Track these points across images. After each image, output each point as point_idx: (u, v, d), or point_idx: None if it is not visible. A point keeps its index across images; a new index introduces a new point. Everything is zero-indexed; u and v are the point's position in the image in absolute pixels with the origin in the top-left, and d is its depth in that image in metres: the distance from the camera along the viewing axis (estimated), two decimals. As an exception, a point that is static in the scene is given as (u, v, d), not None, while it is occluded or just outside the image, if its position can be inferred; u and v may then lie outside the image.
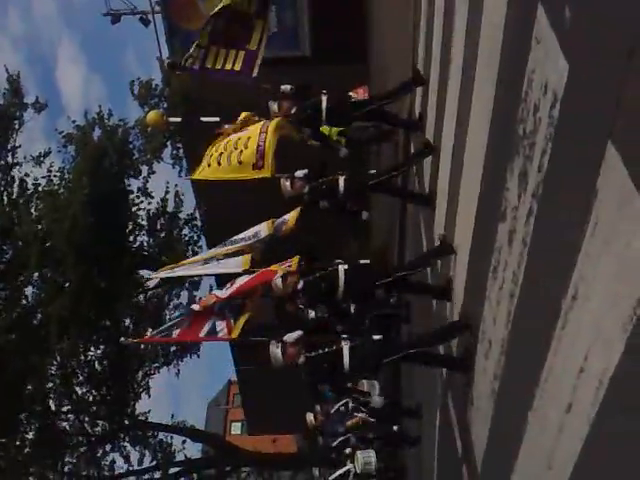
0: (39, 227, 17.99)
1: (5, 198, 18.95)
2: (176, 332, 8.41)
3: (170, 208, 20.33)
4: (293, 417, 15.99)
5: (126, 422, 21.85)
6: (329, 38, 13.19)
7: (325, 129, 10.49)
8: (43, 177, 18.85)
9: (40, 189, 18.77)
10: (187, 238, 20.63)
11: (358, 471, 10.29)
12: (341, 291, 6.81)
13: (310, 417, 11.99)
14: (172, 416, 24.19)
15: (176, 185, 20.27)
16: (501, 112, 4.71)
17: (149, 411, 22.58)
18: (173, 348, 22.09)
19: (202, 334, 8.43)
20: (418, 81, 8.51)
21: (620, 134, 2.83)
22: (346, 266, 6.81)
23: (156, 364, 21.90)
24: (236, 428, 37.32)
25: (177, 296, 22.21)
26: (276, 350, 6.43)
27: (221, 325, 8.38)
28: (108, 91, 61.66)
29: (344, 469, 10.68)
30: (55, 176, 18.81)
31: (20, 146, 19.22)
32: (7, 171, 18.99)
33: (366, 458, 10.38)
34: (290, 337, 6.48)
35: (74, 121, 18.49)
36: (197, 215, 20.05)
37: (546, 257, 3.88)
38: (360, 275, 6.95)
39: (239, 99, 14.60)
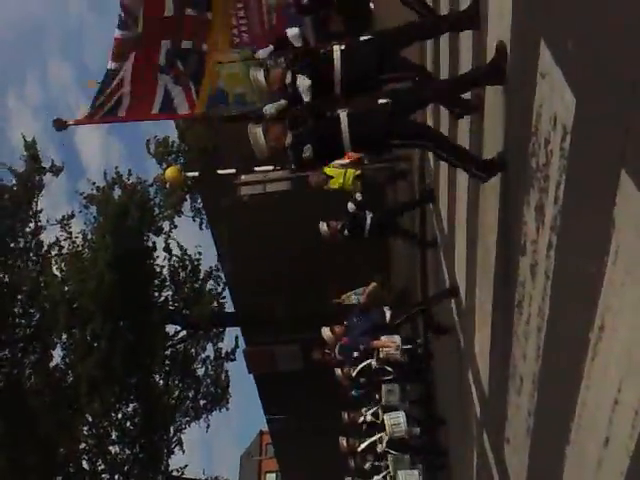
0: (65, 289, 18.22)
1: (30, 263, 19.30)
2: (122, 111, 6.97)
3: (192, 262, 20.55)
4: (327, 464, 15.76)
5: (160, 479, 21.66)
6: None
7: (339, 174, 10.66)
8: (65, 239, 19.22)
9: (64, 251, 19.12)
10: (211, 290, 20.79)
11: (387, 433, 9.85)
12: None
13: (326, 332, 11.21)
14: (203, 471, 23.95)
15: (198, 245, 20.62)
16: (513, 146, 4.74)
17: (185, 466, 22.42)
18: (203, 402, 22.04)
19: (155, 109, 7.00)
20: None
21: (632, 162, 2.84)
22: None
23: (187, 418, 21.82)
24: (271, 479, 36.75)
25: (203, 349, 22.29)
26: (257, 132, 5.42)
27: (178, 93, 6.79)
28: (126, 151, 63.12)
29: (373, 438, 10.31)
30: (77, 237, 19.18)
31: (42, 210, 19.64)
32: (32, 237, 19.37)
33: (394, 419, 9.92)
34: (269, 109, 5.77)
35: (94, 183, 18.94)
36: (220, 267, 20.24)
37: (570, 289, 3.85)
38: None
39: (252, 150, 14.88)
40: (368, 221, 9.28)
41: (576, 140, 3.52)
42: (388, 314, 9.12)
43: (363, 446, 10.62)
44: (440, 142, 5.30)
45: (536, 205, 4.23)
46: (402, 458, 10.39)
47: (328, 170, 10.91)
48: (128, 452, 20.59)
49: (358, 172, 10.87)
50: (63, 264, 18.98)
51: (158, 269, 19.76)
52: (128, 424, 20.36)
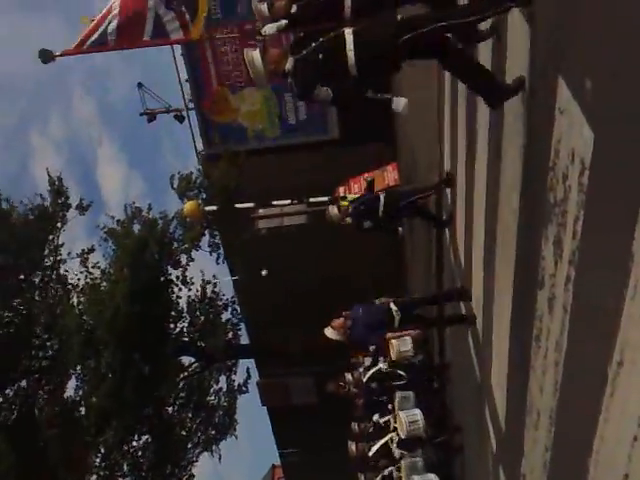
0: (82, 320, 18.34)
1: (50, 295, 19.48)
2: (112, 38, 6.52)
3: (209, 294, 20.65)
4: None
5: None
6: (356, 120, 13.65)
7: None
8: (82, 272, 19.42)
9: (83, 283, 19.31)
10: (227, 322, 20.84)
11: (403, 435, 9.23)
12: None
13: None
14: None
15: (214, 276, 20.69)
16: (530, 182, 4.79)
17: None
18: (212, 432, 21.95)
19: (146, 35, 6.49)
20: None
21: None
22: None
23: (198, 449, 21.71)
24: (282, 515, 36.13)
25: (216, 381, 22.26)
26: (253, 54, 4.81)
27: (170, 18, 6.31)
28: (147, 186, 63.96)
29: (385, 439, 9.73)
30: (94, 268, 19.36)
31: (63, 244, 19.87)
32: (52, 270, 19.59)
33: (410, 417, 9.31)
34: (269, 28, 5.10)
35: (113, 217, 19.18)
36: (236, 299, 20.31)
37: (588, 323, 3.86)
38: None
39: (274, 184, 15.10)
40: (381, 200, 9.07)
41: (594, 175, 3.57)
42: (397, 317, 7.93)
43: (374, 449, 9.93)
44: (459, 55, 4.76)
45: (554, 239, 4.26)
46: (416, 464, 9.70)
47: (345, 204, 11.01)
48: (139, 485, 20.46)
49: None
50: (81, 296, 19.14)
51: (175, 301, 19.86)
52: (140, 456, 20.26)
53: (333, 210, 9.62)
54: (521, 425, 5.44)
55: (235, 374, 22.14)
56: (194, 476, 21.61)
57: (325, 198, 12.29)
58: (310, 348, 17.37)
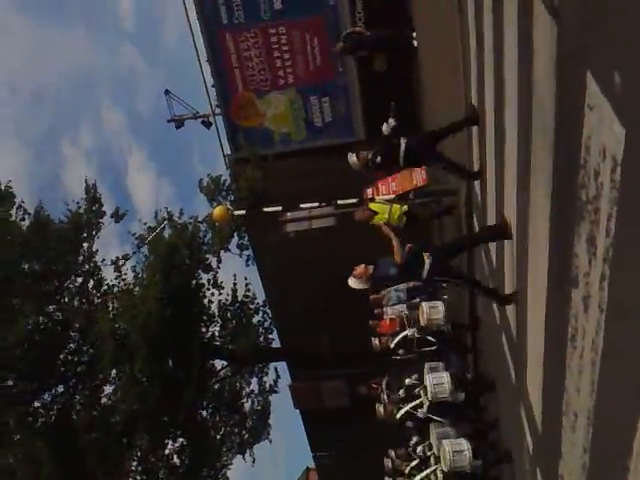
0: (116, 325, 18.59)
1: (85, 301, 19.80)
2: None
3: (240, 297, 20.74)
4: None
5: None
6: (382, 121, 13.66)
7: (384, 209, 10.68)
8: (116, 278, 19.69)
9: (116, 289, 19.56)
10: (259, 325, 20.91)
11: (429, 396, 9.05)
12: None
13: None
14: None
15: (246, 278, 20.74)
16: (562, 180, 4.73)
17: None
18: (246, 435, 22.07)
19: None
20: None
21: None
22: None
23: (232, 453, 21.84)
24: (317, 518, 36.13)
25: (248, 383, 22.37)
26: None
27: None
28: (176, 191, 64.55)
29: (414, 403, 9.45)
30: (126, 274, 19.63)
31: (97, 251, 20.17)
32: (87, 276, 19.91)
33: (437, 379, 9.06)
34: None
35: (145, 223, 19.41)
36: (266, 302, 20.38)
37: (624, 322, 3.79)
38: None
39: (301, 187, 15.12)
40: (403, 147, 8.53)
41: (627, 171, 3.51)
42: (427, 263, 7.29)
43: (402, 412, 9.67)
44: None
45: (587, 237, 4.20)
46: (448, 432, 9.35)
47: (373, 205, 10.96)
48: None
49: (404, 207, 10.87)
50: (115, 301, 19.39)
51: (206, 304, 20.01)
52: (176, 460, 20.46)
53: (352, 158, 9.29)
54: (558, 427, 5.37)
55: (267, 375, 22.24)
56: (228, 479, 21.76)
57: (353, 200, 12.25)
58: (341, 350, 17.37)
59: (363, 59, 13.67)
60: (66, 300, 19.72)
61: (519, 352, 6.98)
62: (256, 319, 20.95)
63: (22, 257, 18.65)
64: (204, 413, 21.04)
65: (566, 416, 5.16)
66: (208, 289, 19.84)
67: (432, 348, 10.30)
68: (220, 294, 20.17)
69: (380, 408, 10.73)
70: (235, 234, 18.78)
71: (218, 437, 21.55)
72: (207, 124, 17.96)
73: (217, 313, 20.56)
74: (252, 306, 20.83)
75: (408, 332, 10.48)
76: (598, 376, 4.27)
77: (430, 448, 9.75)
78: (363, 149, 9.49)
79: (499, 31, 6.34)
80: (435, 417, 9.55)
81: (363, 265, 7.81)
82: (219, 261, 19.56)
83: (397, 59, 13.13)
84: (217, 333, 20.85)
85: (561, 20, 4.35)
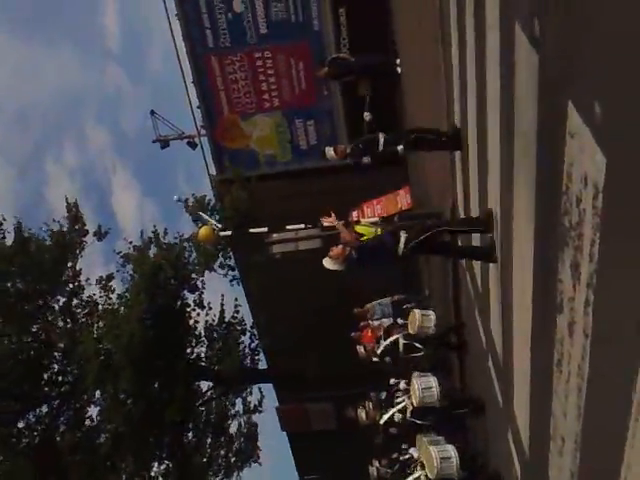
0: (100, 345, 18.42)
1: (69, 320, 19.60)
2: None
3: (227, 318, 20.64)
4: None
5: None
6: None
7: (370, 232, 10.69)
8: (100, 297, 19.53)
9: (100, 307, 19.41)
10: (245, 346, 20.78)
11: (415, 402, 8.88)
12: None
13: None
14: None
15: (236, 299, 20.62)
16: (544, 206, 4.78)
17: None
18: (234, 459, 21.85)
19: None
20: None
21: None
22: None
23: (219, 477, 21.60)
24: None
25: (233, 404, 22.17)
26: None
27: None
28: (161, 211, 64.32)
29: (399, 407, 9.37)
30: (112, 293, 19.46)
31: (81, 270, 20.01)
32: (70, 296, 19.72)
33: (425, 382, 8.93)
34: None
35: (130, 242, 19.29)
36: (254, 323, 20.29)
37: (609, 347, 3.82)
38: None
39: (287, 209, 15.16)
40: (381, 140, 8.75)
41: (609, 198, 3.56)
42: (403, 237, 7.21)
43: (386, 417, 9.59)
44: None
45: (571, 263, 4.24)
46: (436, 439, 9.17)
47: (359, 228, 10.97)
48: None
49: (389, 230, 10.89)
50: (99, 321, 19.22)
51: (192, 325, 19.88)
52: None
53: (330, 152, 9.41)
54: (545, 452, 5.37)
55: (251, 394, 22.05)
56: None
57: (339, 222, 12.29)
58: (329, 372, 17.31)
59: (347, 84, 13.80)
60: (50, 319, 19.53)
61: (506, 376, 6.99)
62: (243, 340, 20.84)
63: (5, 275, 18.48)
64: (190, 435, 20.80)
65: (553, 440, 5.17)
66: (194, 309, 19.73)
67: (419, 354, 10.24)
68: (207, 315, 20.08)
69: (362, 413, 10.69)
70: (220, 254, 18.73)
71: (204, 460, 21.30)
72: (192, 145, 18.00)
73: (203, 334, 20.43)
74: (239, 327, 20.71)
75: (398, 336, 10.43)
76: (584, 401, 4.28)
77: (415, 455, 9.67)
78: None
79: (481, 62, 6.44)
80: (420, 421, 9.42)
81: (340, 245, 7.74)
82: (203, 282, 19.50)
83: (381, 85, 13.26)
84: (203, 354, 20.71)
85: (543, 49, 4.43)
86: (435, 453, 8.45)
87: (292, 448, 21.48)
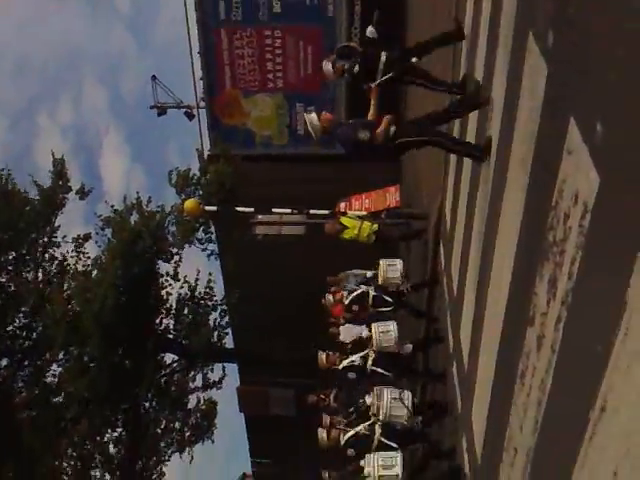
0: (69, 306, 18.28)
1: (40, 275, 19.42)
2: None
3: (200, 293, 20.52)
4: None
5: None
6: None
7: (355, 225, 10.70)
8: (74, 257, 19.36)
9: (73, 269, 19.24)
10: (215, 323, 20.70)
11: (375, 346, 8.90)
12: None
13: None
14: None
15: (210, 274, 20.49)
16: (531, 218, 4.79)
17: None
18: (188, 433, 21.82)
19: None
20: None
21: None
22: None
23: (171, 449, 21.55)
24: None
25: (193, 380, 22.08)
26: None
27: None
28: (148, 180, 63.88)
29: (358, 354, 9.19)
30: (88, 257, 19.31)
31: (60, 227, 19.81)
32: (45, 249, 19.53)
33: (382, 327, 8.95)
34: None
35: (112, 205, 19.12)
36: (226, 301, 20.21)
37: (575, 365, 3.84)
38: None
39: (277, 191, 15.11)
40: (383, 59, 7.90)
41: (596, 219, 3.57)
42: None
43: (345, 363, 9.41)
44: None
45: (549, 278, 4.25)
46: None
47: (344, 220, 10.99)
48: (108, 478, 20.34)
49: (374, 226, 10.92)
50: (71, 281, 19.07)
51: (164, 296, 19.78)
52: (112, 449, 20.15)
53: (327, 66, 8.35)
54: (497, 461, 5.41)
55: (212, 371, 21.96)
56: (165, 474, 21.47)
57: (325, 212, 12.29)
58: (294, 359, 17.33)
59: (355, 76, 13.63)
60: (21, 273, 19.34)
61: (468, 382, 7.03)
62: (213, 316, 20.77)
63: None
64: (147, 405, 20.73)
65: (506, 451, 5.21)
66: (167, 280, 19.62)
67: (388, 309, 10.23)
68: (181, 287, 19.97)
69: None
70: (201, 229, 18.64)
71: (158, 431, 21.26)
72: (190, 116, 17.87)
73: (175, 306, 20.34)
74: (210, 303, 20.61)
75: (367, 289, 10.32)
76: (542, 416, 4.31)
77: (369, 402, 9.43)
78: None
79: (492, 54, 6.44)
80: (379, 369, 9.29)
81: (329, 114, 7.78)
82: (180, 254, 19.39)
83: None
84: (172, 326, 20.63)
85: (552, 62, 4.42)
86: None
87: (248, 430, 21.52)
